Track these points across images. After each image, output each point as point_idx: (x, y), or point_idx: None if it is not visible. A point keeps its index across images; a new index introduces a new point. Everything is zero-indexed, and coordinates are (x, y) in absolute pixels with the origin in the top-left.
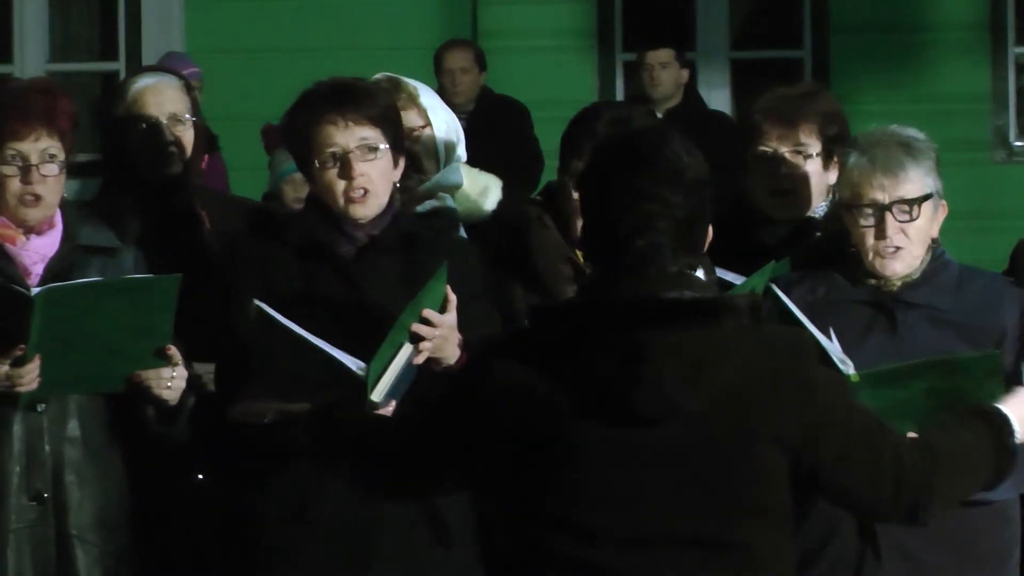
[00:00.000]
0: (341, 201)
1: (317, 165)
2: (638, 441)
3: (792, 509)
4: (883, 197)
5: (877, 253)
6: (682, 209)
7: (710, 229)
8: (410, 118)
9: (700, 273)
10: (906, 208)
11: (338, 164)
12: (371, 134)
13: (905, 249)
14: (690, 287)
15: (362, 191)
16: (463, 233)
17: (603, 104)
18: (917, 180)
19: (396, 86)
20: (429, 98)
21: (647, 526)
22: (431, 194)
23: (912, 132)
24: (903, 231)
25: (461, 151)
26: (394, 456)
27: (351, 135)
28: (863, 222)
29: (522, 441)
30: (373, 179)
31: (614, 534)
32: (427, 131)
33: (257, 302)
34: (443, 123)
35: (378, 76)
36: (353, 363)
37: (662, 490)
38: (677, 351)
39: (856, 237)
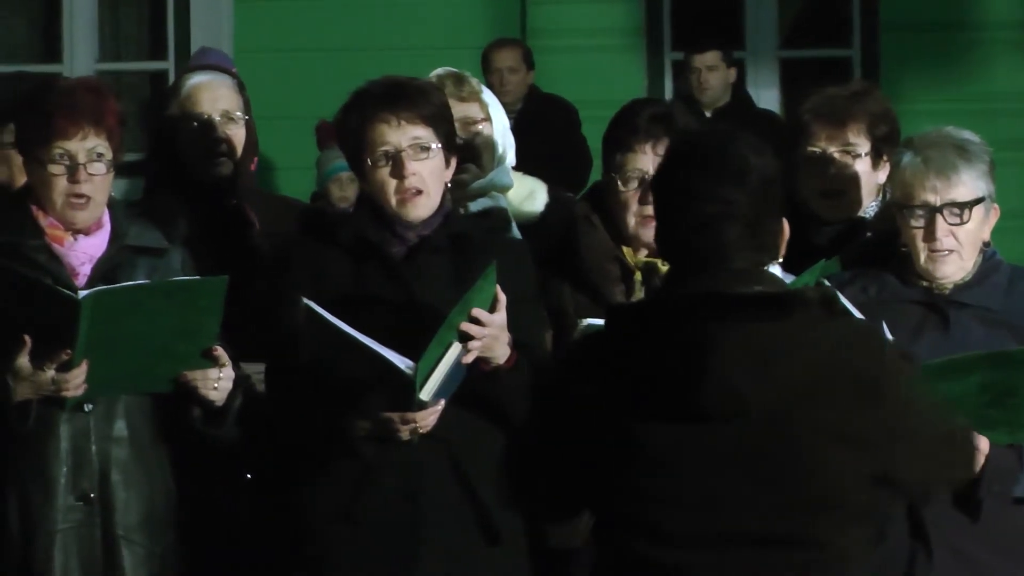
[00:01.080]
0: (393, 201)
1: (369, 164)
2: (708, 437)
3: (873, 507)
4: (934, 199)
5: (928, 255)
6: (746, 208)
7: (786, 228)
8: (472, 111)
9: (776, 270)
10: (957, 211)
11: (390, 163)
12: (424, 133)
13: (955, 252)
14: (759, 283)
15: (414, 190)
16: (517, 234)
17: (642, 100)
18: (969, 183)
19: (460, 80)
20: (489, 96)
21: (719, 524)
22: (483, 192)
23: (967, 135)
24: (953, 234)
25: (511, 157)
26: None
27: (404, 134)
28: (914, 223)
29: (596, 441)
30: (425, 178)
31: (687, 533)
32: (488, 126)
33: (306, 301)
34: (500, 124)
35: (439, 71)
36: (402, 362)
37: (733, 487)
38: (745, 344)
39: (907, 238)
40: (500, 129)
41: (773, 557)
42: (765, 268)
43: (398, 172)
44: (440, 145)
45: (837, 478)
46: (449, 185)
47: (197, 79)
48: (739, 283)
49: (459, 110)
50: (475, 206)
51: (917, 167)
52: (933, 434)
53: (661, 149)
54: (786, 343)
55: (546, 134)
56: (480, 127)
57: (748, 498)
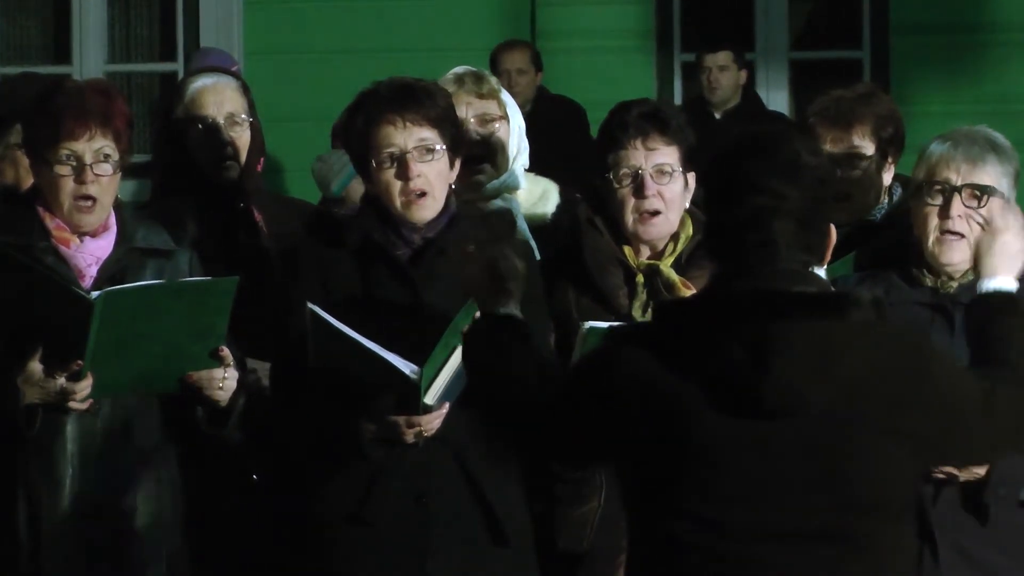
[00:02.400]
0: (398, 202)
1: (375, 165)
2: (765, 434)
3: (915, 504)
4: (956, 179)
5: (937, 237)
6: (797, 205)
7: (833, 232)
8: (490, 108)
9: (821, 272)
10: (976, 193)
11: (396, 164)
12: (429, 135)
13: (966, 239)
14: (812, 283)
15: (419, 192)
16: (528, 235)
17: (630, 100)
18: (993, 174)
19: (479, 78)
20: (507, 96)
21: (774, 520)
22: (497, 193)
23: (1002, 138)
24: (968, 218)
25: (525, 158)
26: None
27: (409, 136)
28: (930, 200)
29: (650, 434)
30: (430, 180)
31: (741, 528)
32: (504, 125)
33: (311, 305)
34: (516, 124)
35: (459, 69)
36: (406, 366)
37: (789, 483)
38: (805, 343)
39: (919, 222)
40: (516, 130)
41: (825, 553)
42: (812, 270)
43: (403, 174)
44: (445, 147)
45: (890, 476)
46: (453, 187)
47: (201, 82)
48: (792, 282)
49: (477, 106)
50: (489, 206)
51: (946, 150)
52: (988, 412)
53: (652, 144)
54: (844, 342)
55: (555, 135)
56: (497, 125)
57: (804, 495)
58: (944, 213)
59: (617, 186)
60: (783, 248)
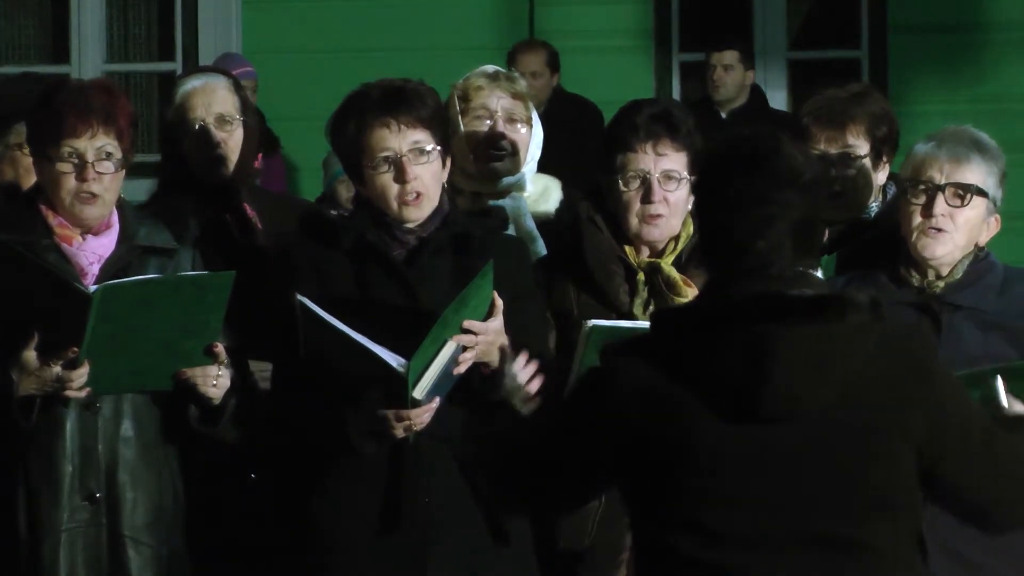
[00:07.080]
0: (395, 205)
1: (369, 168)
2: (764, 439)
3: (920, 508)
4: (940, 178)
5: (921, 232)
6: (800, 210)
7: (825, 230)
8: (519, 109)
9: (819, 273)
10: (959, 192)
11: (392, 167)
12: (423, 136)
13: (948, 233)
14: (811, 286)
15: (415, 194)
16: (534, 230)
17: (641, 100)
18: (978, 173)
19: (511, 78)
20: (532, 107)
21: (773, 525)
22: (508, 190)
23: (987, 137)
24: (951, 217)
25: (534, 167)
26: (528, 470)
27: (404, 138)
28: (914, 200)
29: (649, 442)
30: (426, 181)
31: (740, 534)
32: (528, 130)
33: (300, 297)
34: (536, 134)
35: (489, 68)
36: (394, 359)
37: (788, 488)
38: (803, 347)
39: (905, 218)
40: (535, 138)
41: (826, 559)
42: (810, 271)
43: (400, 177)
44: (438, 146)
45: (889, 479)
46: (445, 187)
47: (190, 84)
48: (791, 286)
49: (507, 104)
50: (496, 203)
51: (931, 150)
52: (987, 436)
53: (661, 149)
54: (841, 346)
55: (569, 135)
56: (520, 126)
57: (804, 500)
58: (927, 212)
59: (624, 189)
60: (785, 253)
